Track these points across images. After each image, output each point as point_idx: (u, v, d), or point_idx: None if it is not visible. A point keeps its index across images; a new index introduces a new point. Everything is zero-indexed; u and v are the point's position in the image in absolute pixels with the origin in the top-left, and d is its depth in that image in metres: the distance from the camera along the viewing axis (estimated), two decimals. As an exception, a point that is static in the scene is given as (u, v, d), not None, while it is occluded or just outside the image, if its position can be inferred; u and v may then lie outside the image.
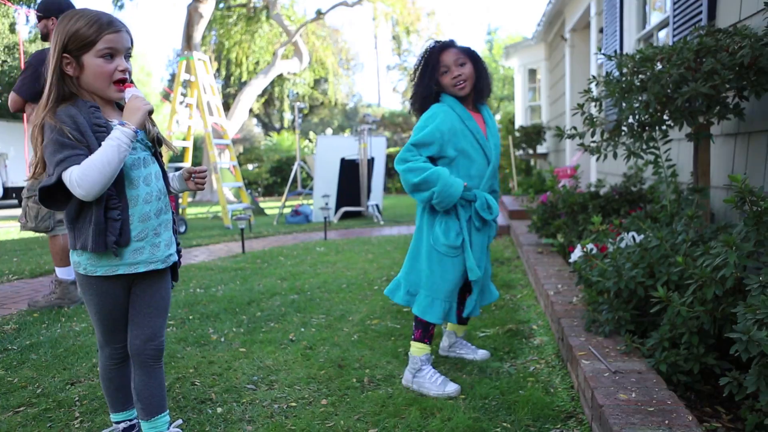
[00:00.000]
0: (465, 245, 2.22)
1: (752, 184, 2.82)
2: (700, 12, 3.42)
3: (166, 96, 23.97)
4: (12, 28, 14.50)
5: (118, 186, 1.51)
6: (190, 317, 3.30)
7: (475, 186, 2.26)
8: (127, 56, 1.56)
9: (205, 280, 4.39)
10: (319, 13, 17.56)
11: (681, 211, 2.66)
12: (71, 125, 1.43)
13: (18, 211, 15.35)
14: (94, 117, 1.48)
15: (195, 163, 17.51)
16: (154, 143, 1.65)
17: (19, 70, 17.96)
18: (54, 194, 1.46)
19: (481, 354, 2.53)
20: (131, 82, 1.57)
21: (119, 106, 1.63)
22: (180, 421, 1.90)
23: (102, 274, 1.55)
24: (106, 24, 1.48)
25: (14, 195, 19.43)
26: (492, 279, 4.06)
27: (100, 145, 1.44)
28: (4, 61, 18.88)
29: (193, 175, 1.74)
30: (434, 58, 2.27)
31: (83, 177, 1.39)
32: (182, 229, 7.49)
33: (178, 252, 1.74)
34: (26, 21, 15.61)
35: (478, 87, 2.31)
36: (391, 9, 18.66)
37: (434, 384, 2.17)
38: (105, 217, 1.48)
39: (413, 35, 21.04)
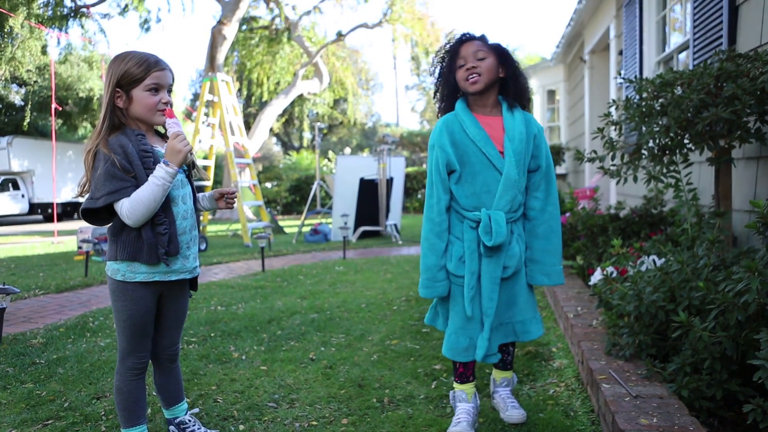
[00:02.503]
0: (466, 274, 1.93)
1: (775, 208, 2.81)
2: (721, 36, 3.44)
3: (189, 115, 24.44)
4: (44, 50, 14.98)
5: (165, 204, 1.72)
6: (212, 335, 3.35)
7: (484, 204, 1.93)
8: (169, 90, 1.77)
9: (225, 297, 4.45)
10: (340, 35, 17.84)
11: (702, 234, 2.65)
12: (121, 154, 1.62)
13: (43, 227, 15.68)
14: (140, 144, 1.67)
15: (216, 182, 17.76)
16: (191, 167, 1.87)
17: (49, 90, 18.57)
18: (97, 213, 1.67)
19: (510, 416, 2.08)
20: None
21: (159, 134, 1.84)
22: (197, 410, 2.13)
23: (140, 281, 1.72)
24: (153, 63, 1.70)
25: (39, 211, 19.88)
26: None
27: (145, 167, 1.64)
28: (35, 81, 19.50)
29: (225, 196, 1.94)
30: (453, 50, 2.02)
31: (132, 211, 1.61)
32: (203, 247, 7.60)
33: (199, 264, 1.93)
34: (57, 43, 16.13)
35: (507, 87, 2.02)
36: (410, 31, 18.88)
37: (451, 426, 2.00)
38: (154, 232, 1.67)
39: (432, 56, 21.25)
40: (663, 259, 2.67)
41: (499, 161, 1.93)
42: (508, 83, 2.01)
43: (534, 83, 12.58)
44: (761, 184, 3.00)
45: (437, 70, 2.09)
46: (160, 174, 1.62)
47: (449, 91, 2.06)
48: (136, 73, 1.66)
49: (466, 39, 2.02)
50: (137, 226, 1.65)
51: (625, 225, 4.03)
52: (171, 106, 1.76)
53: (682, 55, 4.77)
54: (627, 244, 3.63)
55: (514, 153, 1.93)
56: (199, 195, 1.94)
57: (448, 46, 2.05)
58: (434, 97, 2.12)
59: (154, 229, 1.67)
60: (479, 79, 1.95)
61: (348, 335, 3.31)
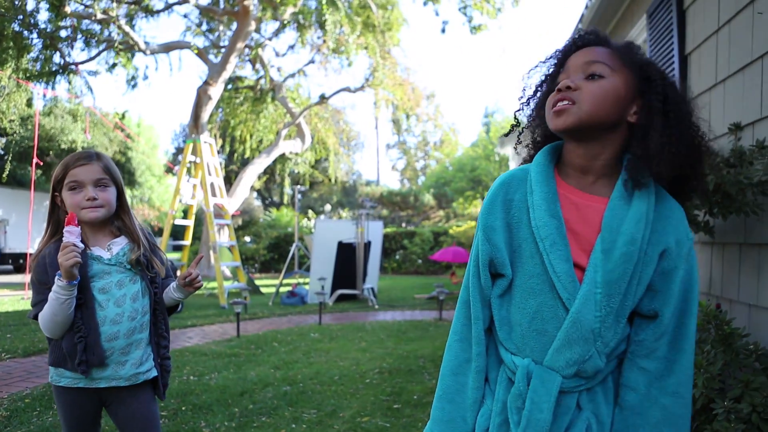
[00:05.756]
0: None
1: (727, 291, 2.98)
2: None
3: (169, 170, 24.56)
4: (29, 103, 15.18)
5: (87, 310, 1.62)
6: (183, 408, 3.33)
7: (531, 348, 1.08)
8: (104, 185, 1.68)
9: (198, 366, 4.42)
10: (323, 98, 18.37)
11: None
12: (41, 266, 1.64)
13: (13, 278, 15.32)
14: None
15: (195, 238, 17.68)
16: (136, 264, 1.71)
17: (30, 140, 18.62)
18: None
19: None
20: (98, 207, 1.66)
21: (123, 230, 1.75)
22: None
23: (65, 386, 1.67)
24: (73, 161, 1.67)
25: (11, 261, 19.47)
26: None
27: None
28: (16, 132, 19.55)
29: (187, 279, 1.73)
30: (560, 61, 1.14)
31: (43, 325, 1.62)
32: (178, 308, 7.54)
33: (165, 366, 1.79)
34: (43, 96, 16.31)
35: (636, 143, 1.05)
36: (392, 95, 19.54)
37: None
38: (72, 341, 1.61)
39: (412, 118, 21.93)
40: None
41: (568, 286, 1.04)
42: (648, 136, 1.03)
43: (509, 151, 13.00)
44: (715, 268, 3.18)
45: (531, 91, 1.19)
46: (54, 287, 1.55)
47: (543, 134, 1.19)
48: (58, 173, 1.67)
49: (581, 43, 1.12)
50: (55, 338, 1.64)
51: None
52: (98, 200, 1.66)
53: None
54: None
55: (604, 279, 1.03)
56: (169, 287, 1.79)
57: (557, 52, 1.15)
58: (518, 141, 1.24)
59: (72, 337, 1.61)
60: (568, 108, 1.05)
61: (319, 411, 3.32)
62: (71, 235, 1.55)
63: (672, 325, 1.05)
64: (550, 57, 1.16)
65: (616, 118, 1.06)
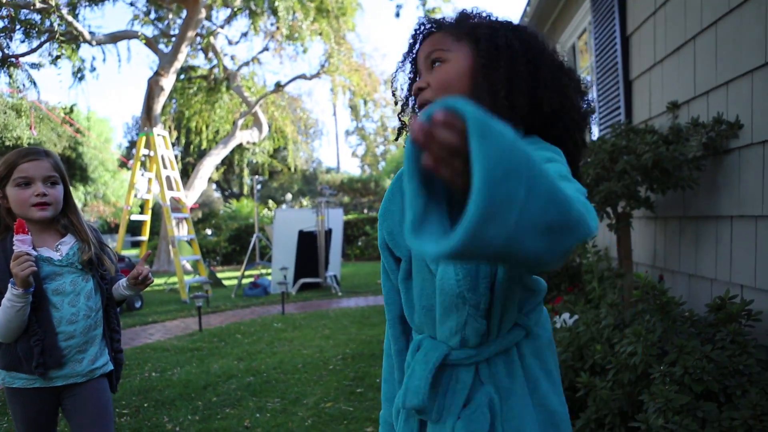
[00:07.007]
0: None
1: (670, 263, 3.13)
2: (619, 108, 3.84)
3: (123, 165, 23.86)
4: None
5: (42, 312, 1.62)
6: (145, 405, 3.31)
7: (425, 325, 1.04)
8: (53, 182, 1.68)
9: (160, 362, 4.38)
10: (279, 86, 18.14)
11: (607, 294, 2.91)
12: None
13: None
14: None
15: (153, 233, 17.29)
16: (87, 264, 1.72)
17: (-30, 139, 17.79)
18: None
19: None
20: (47, 204, 1.64)
21: (69, 228, 1.73)
22: None
23: (20, 387, 1.65)
24: (22, 155, 1.64)
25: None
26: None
27: None
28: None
29: (139, 278, 1.75)
30: (413, 54, 1.08)
31: None
32: (138, 305, 7.41)
33: (118, 360, 1.81)
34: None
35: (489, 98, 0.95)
36: (349, 81, 19.43)
37: None
38: (28, 345, 1.60)
39: (370, 103, 21.87)
40: (576, 316, 2.91)
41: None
42: (492, 89, 0.95)
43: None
44: (659, 241, 3.34)
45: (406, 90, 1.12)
46: (7, 295, 1.54)
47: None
48: (5, 167, 1.63)
49: (420, 36, 1.07)
50: (8, 342, 1.61)
51: (547, 278, 4.31)
52: (57, 199, 1.67)
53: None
54: (546, 297, 3.88)
55: None
56: (119, 283, 1.81)
57: (410, 51, 1.09)
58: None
59: (28, 341, 1.60)
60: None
61: (283, 399, 3.35)
62: (23, 243, 1.54)
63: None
64: (408, 50, 1.10)
65: (472, 92, 0.99)
